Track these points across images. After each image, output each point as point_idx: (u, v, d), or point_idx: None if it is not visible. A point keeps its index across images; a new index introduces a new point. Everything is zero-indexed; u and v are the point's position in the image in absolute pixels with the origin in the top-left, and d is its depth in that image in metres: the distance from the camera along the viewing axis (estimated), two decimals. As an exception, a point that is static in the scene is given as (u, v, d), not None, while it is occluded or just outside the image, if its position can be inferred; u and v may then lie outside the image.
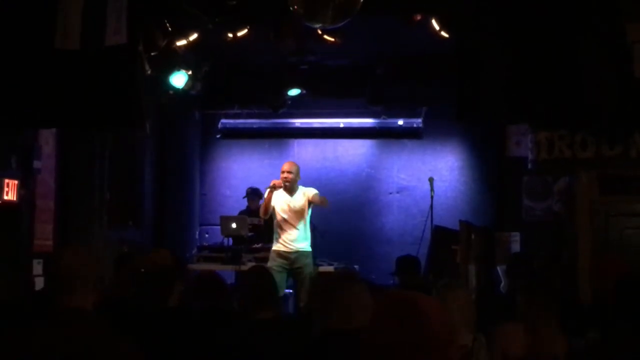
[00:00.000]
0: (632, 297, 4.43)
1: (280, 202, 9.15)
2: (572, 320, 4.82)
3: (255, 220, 10.14)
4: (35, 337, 3.06)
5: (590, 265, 6.73)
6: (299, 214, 9.10)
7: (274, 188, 9.05)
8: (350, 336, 2.22)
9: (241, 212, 10.77)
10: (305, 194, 9.18)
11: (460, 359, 4.74)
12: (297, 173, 9.24)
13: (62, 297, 3.12)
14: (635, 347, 3.94)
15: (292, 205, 9.13)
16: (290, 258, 9.03)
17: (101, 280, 3.31)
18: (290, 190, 9.13)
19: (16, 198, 8.06)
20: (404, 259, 7.71)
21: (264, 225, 10.21)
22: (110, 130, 9.09)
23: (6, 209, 7.98)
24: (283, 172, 9.16)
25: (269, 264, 8.86)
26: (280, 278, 8.62)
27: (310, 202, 9.21)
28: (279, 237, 9.17)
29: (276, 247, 9.16)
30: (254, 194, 10.81)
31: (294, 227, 9.10)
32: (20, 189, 8.13)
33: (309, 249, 9.26)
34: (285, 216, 9.12)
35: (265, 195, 9.23)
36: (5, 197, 7.90)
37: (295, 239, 9.09)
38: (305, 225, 9.16)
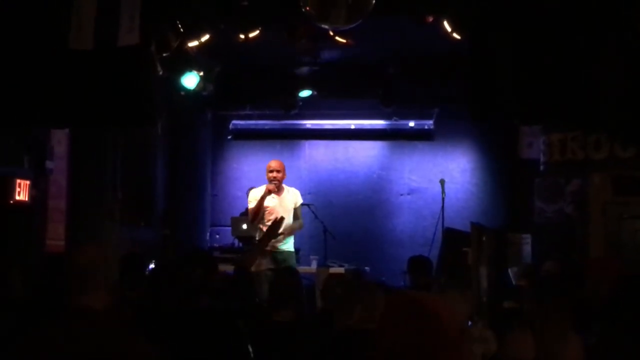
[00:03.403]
0: (628, 298, 4.42)
1: (267, 202, 8.90)
2: (581, 323, 4.80)
3: None
4: (48, 337, 3.05)
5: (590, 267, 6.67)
6: (285, 213, 8.73)
7: (269, 194, 8.82)
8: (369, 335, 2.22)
9: (242, 214, 10.75)
10: (292, 198, 8.99)
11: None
12: (284, 171, 9.00)
13: (74, 297, 3.12)
14: (630, 349, 3.93)
15: (279, 205, 8.92)
16: (277, 258, 8.75)
17: (115, 279, 3.27)
18: (277, 189, 8.91)
19: (28, 198, 8.08)
20: (416, 259, 7.68)
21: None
22: (122, 129, 9.12)
23: (18, 209, 8.00)
24: (271, 170, 8.89)
25: (258, 268, 8.38)
26: (266, 282, 8.06)
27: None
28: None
29: None
30: None
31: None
32: (33, 189, 8.15)
33: (293, 248, 9.08)
34: (272, 216, 8.70)
35: (255, 201, 8.90)
36: (18, 197, 7.93)
37: (280, 239, 8.73)
38: (289, 224, 8.83)
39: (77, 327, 3.04)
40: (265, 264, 8.54)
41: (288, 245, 8.92)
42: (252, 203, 8.96)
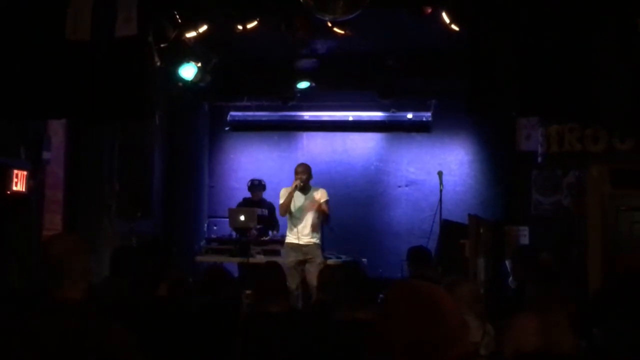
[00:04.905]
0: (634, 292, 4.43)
1: (295, 199, 9.60)
2: (579, 317, 4.81)
3: (258, 211, 10.33)
4: (27, 329, 3.03)
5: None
6: (311, 210, 9.55)
7: (296, 188, 9.55)
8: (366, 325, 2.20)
9: (240, 204, 10.81)
10: (317, 195, 9.63)
11: (469, 356, 4.73)
12: (310, 173, 9.70)
13: (52, 288, 3.09)
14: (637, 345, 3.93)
15: (305, 203, 9.59)
16: (302, 250, 9.47)
17: (91, 269, 3.25)
18: (303, 188, 9.61)
19: (25, 189, 8.06)
20: (415, 250, 7.66)
21: (269, 216, 10.54)
22: (120, 121, 9.10)
23: (15, 200, 7.98)
24: (297, 173, 9.64)
25: (285, 260, 9.34)
26: (297, 274, 9.38)
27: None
28: (292, 231, 9.61)
29: (289, 240, 9.62)
30: (260, 186, 10.88)
31: (307, 222, 9.55)
32: (30, 179, 8.13)
33: (319, 241, 9.67)
34: (299, 213, 9.58)
35: (284, 196, 9.64)
36: (15, 188, 7.90)
37: (308, 233, 9.53)
38: (316, 220, 9.59)
39: (54, 318, 3.02)
40: (294, 256, 9.47)
41: (314, 239, 9.60)
42: (282, 199, 9.69)
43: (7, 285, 5.34)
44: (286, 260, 9.34)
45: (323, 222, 9.74)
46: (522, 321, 4.38)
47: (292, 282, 9.09)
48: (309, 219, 9.54)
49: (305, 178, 9.58)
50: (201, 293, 5.26)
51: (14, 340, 3.00)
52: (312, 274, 8.94)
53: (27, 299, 4.80)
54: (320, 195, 9.64)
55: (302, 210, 9.56)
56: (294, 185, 9.54)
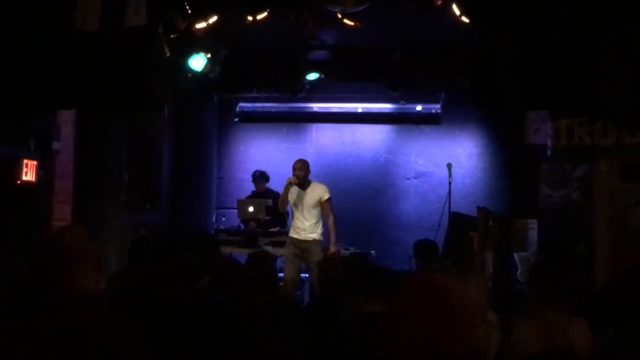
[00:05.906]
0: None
1: (294, 196, 9.60)
2: (592, 313, 4.78)
3: (264, 202, 10.42)
4: (37, 320, 3.03)
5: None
6: (310, 206, 9.52)
7: (290, 185, 9.53)
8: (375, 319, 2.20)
9: (248, 197, 10.84)
10: (317, 191, 9.57)
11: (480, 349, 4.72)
12: (307, 169, 9.65)
13: (63, 279, 3.08)
14: None
15: (304, 199, 9.54)
16: (302, 247, 9.43)
17: (103, 260, 3.24)
18: (302, 184, 9.56)
19: (35, 179, 8.09)
20: (422, 244, 7.67)
21: (275, 207, 10.47)
22: (129, 112, 9.11)
23: (25, 190, 8.01)
24: (295, 169, 9.58)
25: (286, 251, 9.55)
26: (294, 264, 9.36)
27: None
28: (292, 225, 9.64)
29: (291, 234, 9.60)
30: (262, 177, 10.89)
31: (306, 218, 9.52)
32: (39, 170, 8.16)
33: (320, 237, 9.57)
34: (298, 208, 9.56)
35: (282, 191, 9.65)
36: (24, 178, 7.94)
37: (307, 229, 9.49)
38: (316, 216, 9.54)
39: (70, 308, 3.02)
40: (293, 249, 9.46)
41: (314, 234, 9.49)
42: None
43: (14, 276, 5.35)
44: (286, 251, 9.50)
45: (329, 221, 9.59)
46: (523, 325, 4.37)
47: (289, 273, 9.24)
48: (307, 214, 9.49)
49: (302, 175, 9.52)
50: (212, 285, 5.26)
51: (25, 331, 3.01)
52: (313, 270, 8.95)
53: (34, 290, 4.82)
54: (320, 192, 9.57)
55: (300, 206, 9.51)
56: (287, 182, 9.52)
